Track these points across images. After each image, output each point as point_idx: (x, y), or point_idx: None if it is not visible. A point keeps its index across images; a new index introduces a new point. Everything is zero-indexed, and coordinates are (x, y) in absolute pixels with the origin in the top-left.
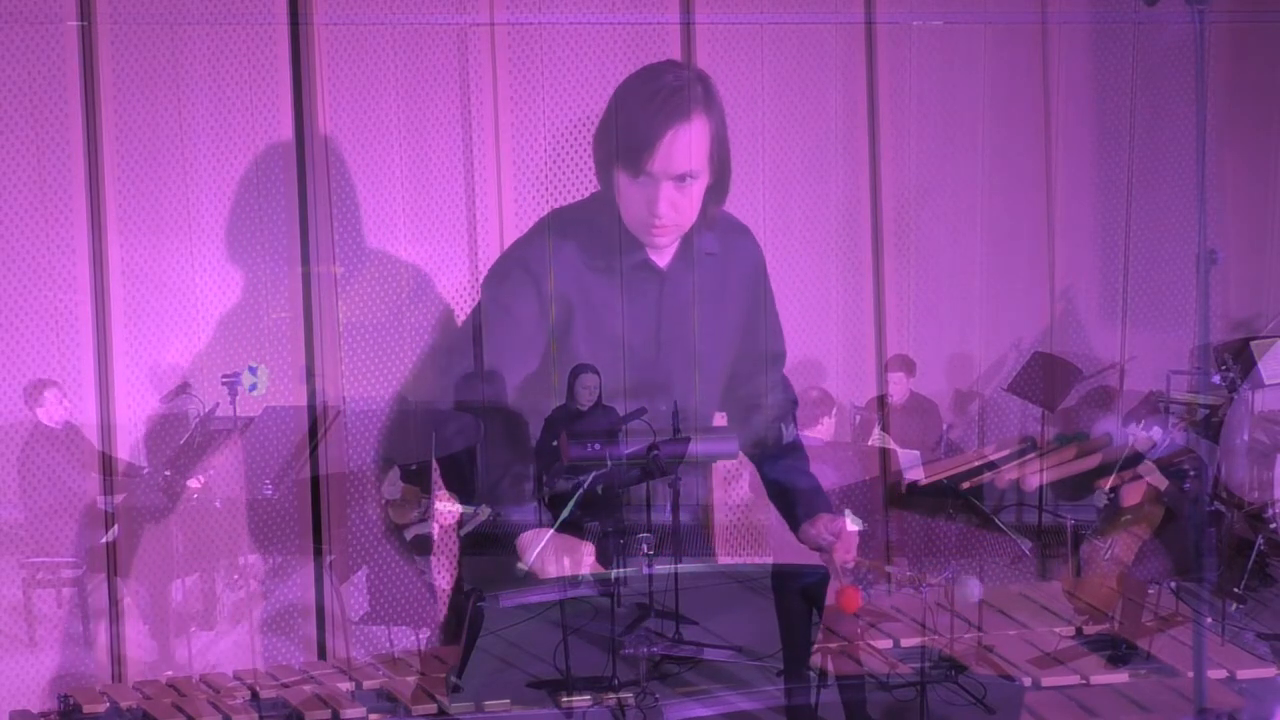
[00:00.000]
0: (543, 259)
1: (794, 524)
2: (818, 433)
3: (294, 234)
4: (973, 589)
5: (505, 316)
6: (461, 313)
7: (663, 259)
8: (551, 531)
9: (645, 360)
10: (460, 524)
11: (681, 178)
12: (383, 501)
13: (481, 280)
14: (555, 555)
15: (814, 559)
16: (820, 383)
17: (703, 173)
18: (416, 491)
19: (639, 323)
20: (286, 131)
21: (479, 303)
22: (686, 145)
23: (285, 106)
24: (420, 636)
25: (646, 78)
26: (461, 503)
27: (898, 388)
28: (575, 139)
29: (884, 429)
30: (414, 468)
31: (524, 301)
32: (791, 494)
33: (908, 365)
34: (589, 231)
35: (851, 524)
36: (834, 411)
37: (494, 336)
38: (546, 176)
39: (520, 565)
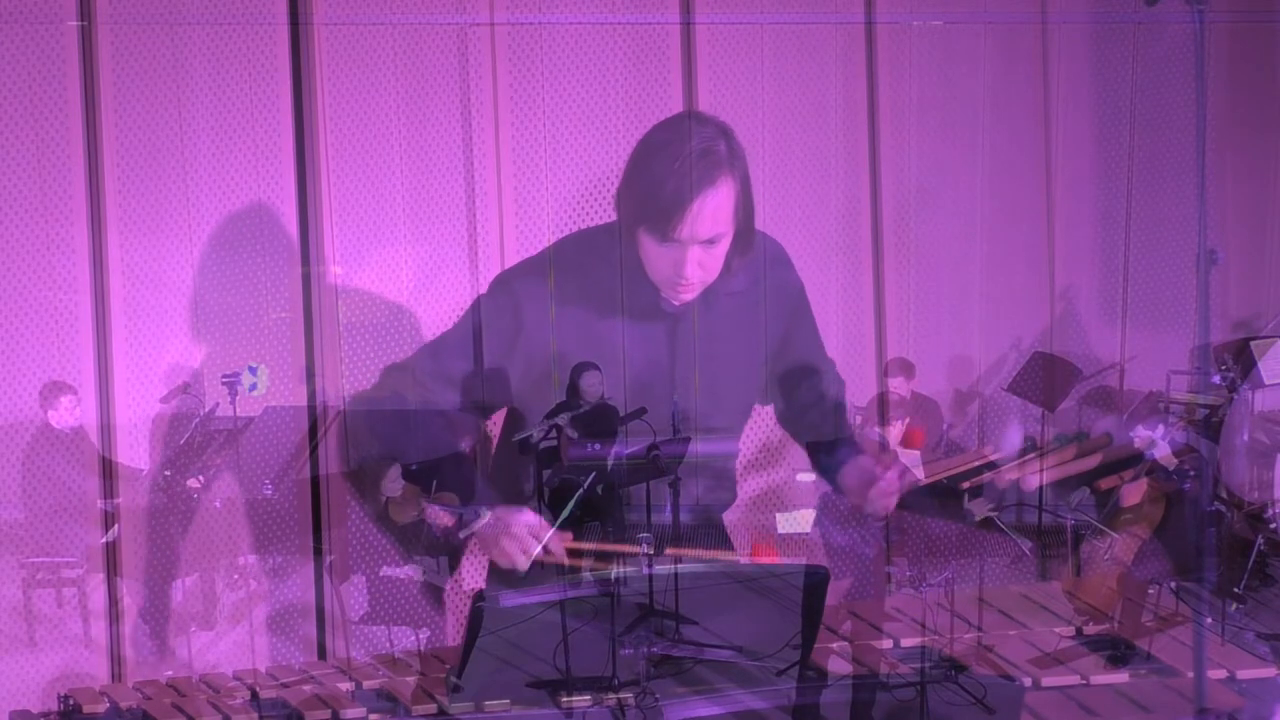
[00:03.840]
0: (539, 297)
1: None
2: (875, 432)
3: (294, 234)
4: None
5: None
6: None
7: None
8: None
9: (662, 402)
10: (459, 526)
11: (709, 241)
12: (382, 499)
13: (482, 292)
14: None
15: (815, 560)
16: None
17: (729, 231)
18: (416, 491)
19: (652, 365)
20: (286, 131)
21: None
22: (714, 211)
23: (285, 106)
24: (420, 636)
25: (670, 138)
26: (461, 504)
27: (897, 391)
28: (576, 139)
29: (884, 429)
30: (414, 467)
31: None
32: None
33: (907, 369)
34: (598, 268)
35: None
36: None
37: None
38: (546, 176)
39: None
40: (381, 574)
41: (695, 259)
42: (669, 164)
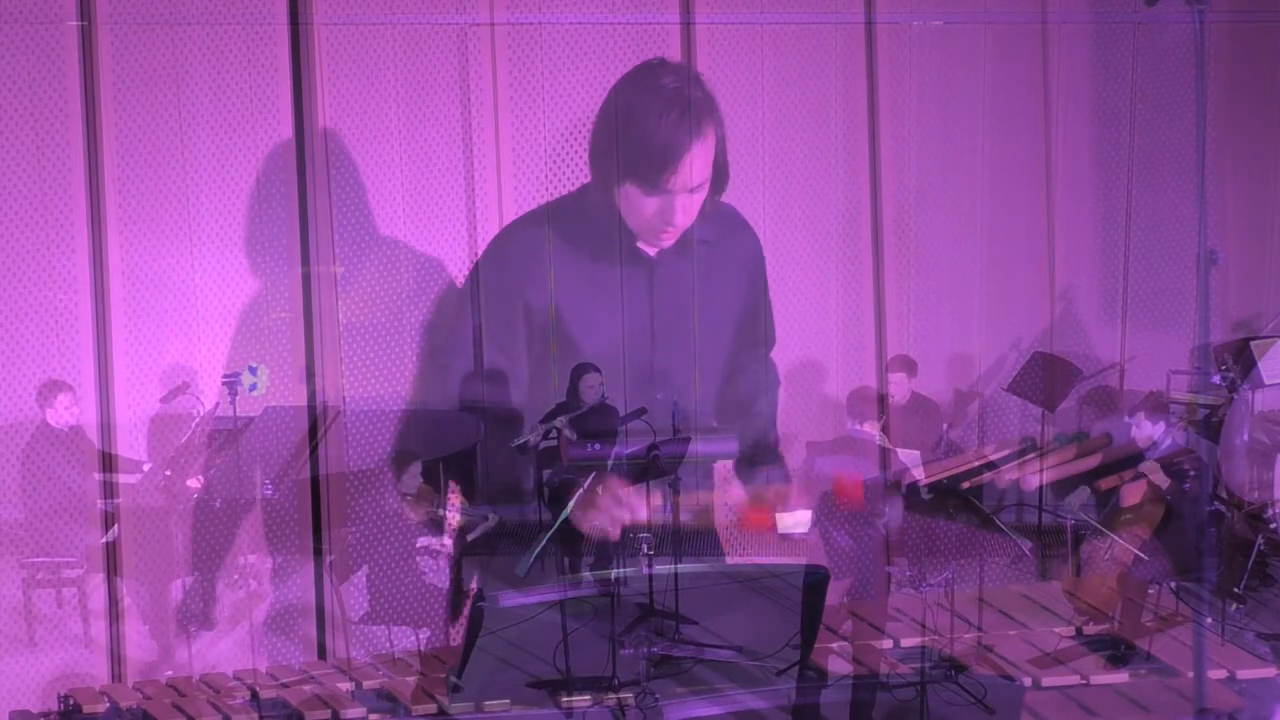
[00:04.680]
0: (525, 255)
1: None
2: (866, 430)
3: (294, 234)
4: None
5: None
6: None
7: (653, 249)
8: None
9: (640, 353)
10: (465, 529)
11: (695, 189)
12: (401, 495)
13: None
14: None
15: (817, 559)
16: (822, 383)
17: (709, 176)
18: (430, 489)
19: (631, 314)
20: (286, 131)
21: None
22: (702, 159)
23: (285, 106)
24: (420, 636)
25: (647, 85)
26: (469, 507)
27: (899, 388)
28: (575, 138)
29: (884, 429)
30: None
31: (509, 300)
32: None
33: (909, 366)
34: (578, 226)
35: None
36: (880, 413)
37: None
38: (546, 176)
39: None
40: (419, 546)
41: (682, 206)
42: (656, 116)
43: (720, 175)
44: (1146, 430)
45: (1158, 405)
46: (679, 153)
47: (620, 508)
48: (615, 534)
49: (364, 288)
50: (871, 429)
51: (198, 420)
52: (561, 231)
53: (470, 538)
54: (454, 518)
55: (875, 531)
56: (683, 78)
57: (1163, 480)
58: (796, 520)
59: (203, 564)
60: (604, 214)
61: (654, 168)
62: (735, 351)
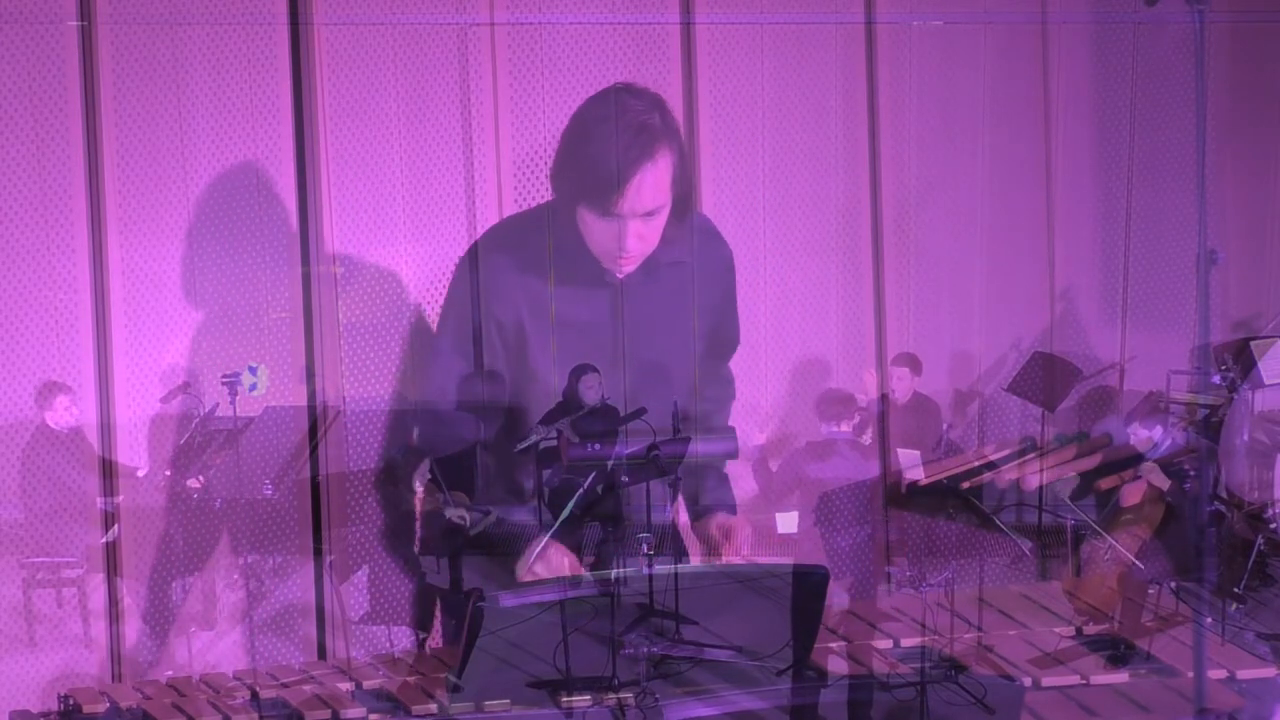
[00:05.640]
0: (487, 282)
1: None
2: (843, 431)
3: (294, 234)
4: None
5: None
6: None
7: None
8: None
9: (606, 376)
10: (469, 525)
11: (649, 214)
12: (401, 494)
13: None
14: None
15: (817, 559)
16: (824, 382)
17: (667, 202)
18: (432, 487)
19: (596, 338)
20: (286, 131)
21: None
22: (654, 184)
23: (285, 106)
24: (420, 637)
25: (603, 112)
26: (470, 504)
27: (902, 384)
28: None
29: (885, 428)
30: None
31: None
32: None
33: (914, 363)
34: (540, 246)
35: (782, 526)
36: (856, 413)
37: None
38: (546, 176)
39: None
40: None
41: (635, 232)
42: (607, 140)
43: (682, 200)
44: (1143, 435)
45: (1153, 410)
46: (627, 175)
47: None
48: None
49: (364, 288)
50: (847, 429)
51: (198, 420)
52: (529, 250)
53: (473, 533)
54: (455, 514)
55: (872, 532)
56: (645, 102)
57: (1163, 481)
58: (784, 521)
59: (203, 564)
60: (567, 235)
61: (603, 191)
62: (699, 369)
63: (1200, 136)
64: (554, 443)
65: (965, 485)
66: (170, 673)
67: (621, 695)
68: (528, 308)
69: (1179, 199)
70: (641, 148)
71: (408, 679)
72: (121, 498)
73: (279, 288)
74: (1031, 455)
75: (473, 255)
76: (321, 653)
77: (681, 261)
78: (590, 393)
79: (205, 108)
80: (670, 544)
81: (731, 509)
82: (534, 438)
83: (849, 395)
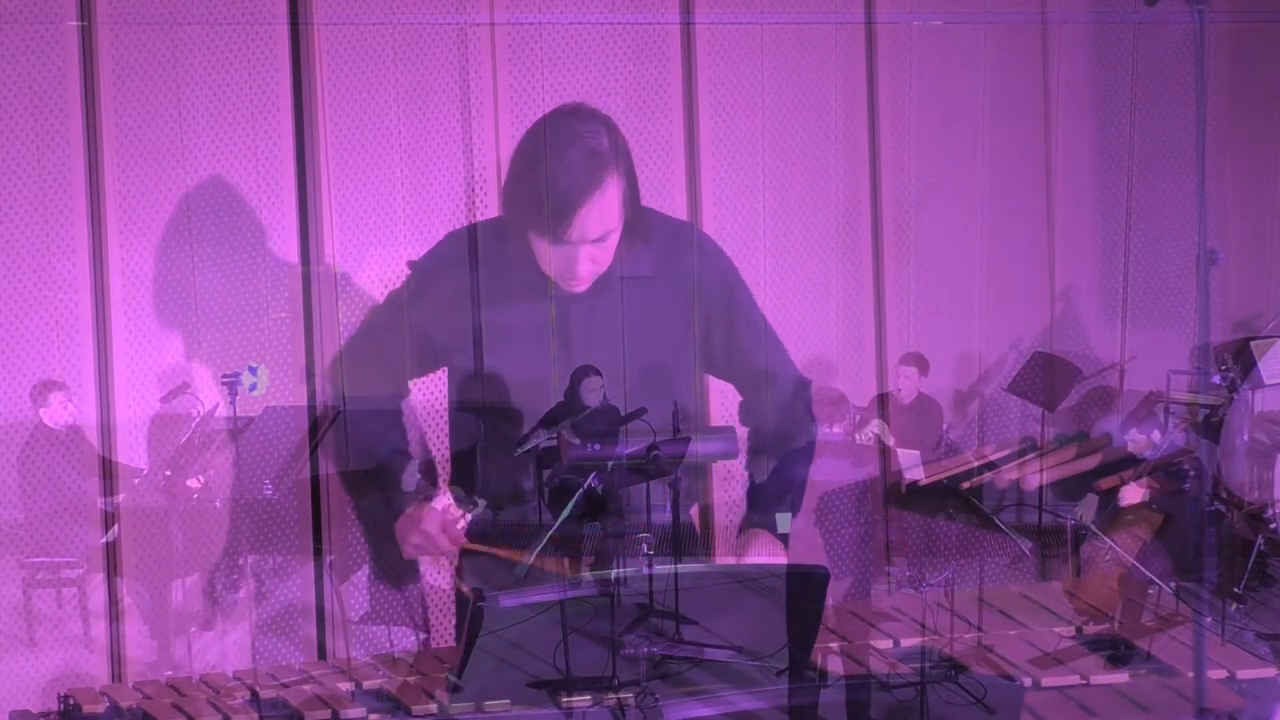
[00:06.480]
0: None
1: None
2: (835, 433)
3: (294, 234)
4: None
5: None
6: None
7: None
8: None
9: (546, 385)
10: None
11: (599, 239)
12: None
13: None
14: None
15: (817, 558)
16: (828, 382)
17: (618, 226)
18: (426, 486)
19: (545, 353)
20: (286, 131)
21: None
22: (601, 212)
23: (285, 106)
24: (420, 637)
25: (552, 136)
26: (463, 496)
27: (908, 383)
28: None
29: (886, 427)
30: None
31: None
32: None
33: (921, 363)
34: (491, 258)
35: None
36: (848, 413)
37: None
38: None
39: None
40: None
41: (587, 256)
42: (555, 169)
43: (634, 221)
44: (1141, 438)
45: (1147, 414)
46: (575, 206)
47: (440, 536)
48: (439, 563)
49: (364, 288)
50: (839, 430)
51: (198, 420)
52: (482, 263)
53: (471, 516)
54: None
55: (871, 531)
56: (593, 125)
57: (1163, 482)
58: (781, 521)
59: (203, 564)
60: (518, 253)
61: (552, 220)
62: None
63: (1200, 136)
64: (553, 442)
65: (965, 485)
66: (170, 673)
67: (621, 695)
68: (485, 321)
69: (1179, 199)
70: (590, 176)
71: (408, 679)
72: (121, 497)
73: (279, 288)
74: (1031, 455)
75: (421, 268)
76: (321, 653)
77: (642, 275)
78: (592, 396)
79: (205, 107)
80: (672, 544)
81: (774, 532)
82: (534, 440)
83: (840, 396)
